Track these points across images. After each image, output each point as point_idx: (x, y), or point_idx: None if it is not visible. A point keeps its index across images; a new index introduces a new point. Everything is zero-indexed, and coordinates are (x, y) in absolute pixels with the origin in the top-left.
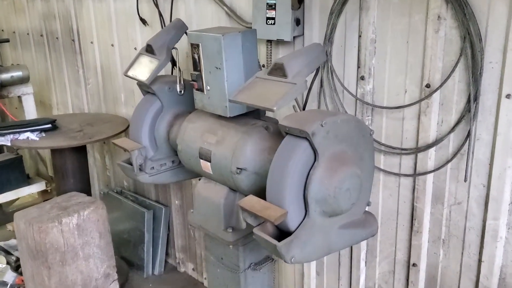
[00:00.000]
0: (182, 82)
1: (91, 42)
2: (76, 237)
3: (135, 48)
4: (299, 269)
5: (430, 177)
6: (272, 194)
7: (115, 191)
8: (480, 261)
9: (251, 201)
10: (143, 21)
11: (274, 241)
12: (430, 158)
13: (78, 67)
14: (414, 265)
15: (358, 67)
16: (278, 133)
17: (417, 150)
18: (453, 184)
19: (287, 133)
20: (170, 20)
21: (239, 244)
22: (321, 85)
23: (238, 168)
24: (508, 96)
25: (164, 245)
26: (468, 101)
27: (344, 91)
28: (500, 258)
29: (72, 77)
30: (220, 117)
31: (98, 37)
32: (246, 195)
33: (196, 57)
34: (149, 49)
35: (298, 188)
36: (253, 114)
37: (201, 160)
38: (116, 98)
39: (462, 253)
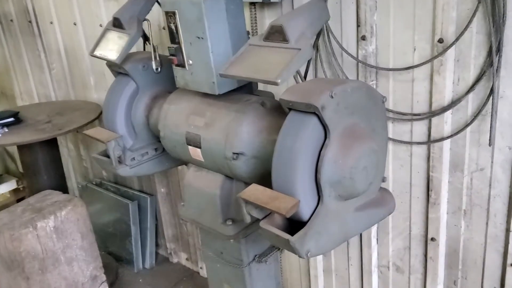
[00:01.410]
0: (158, 58)
1: (51, 23)
2: (55, 241)
3: (101, 25)
4: None
5: (447, 143)
6: (279, 181)
7: (94, 183)
8: (508, 230)
9: (255, 192)
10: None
11: (286, 235)
12: (447, 122)
13: (39, 51)
14: (432, 239)
15: (358, 25)
16: (276, 109)
17: (431, 114)
18: (474, 149)
19: (290, 109)
20: None
21: (240, 236)
22: (317, 49)
23: (234, 153)
24: None
25: (153, 236)
26: (489, 54)
27: (343, 53)
28: None
29: (33, 63)
30: (206, 95)
31: (58, 17)
32: (245, 183)
33: (173, 27)
34: (116, 23)
35: (309, 171)
36: (245, 89)
37: (189, 147)
38: (85, 83)
39: (487, 223)
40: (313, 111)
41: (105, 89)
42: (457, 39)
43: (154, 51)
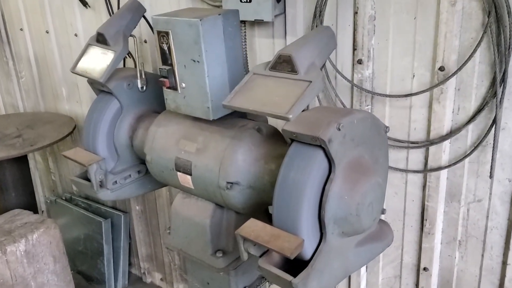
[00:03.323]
0: (143, 76)
1: (21, 29)
2: (25, 266)
3: (76, 35)
4: None
5: (444, 173)
6: (281, 218)
7: (64, 198)
8: (505, 263)
9: (255, 228)
10: (84, 3)
11: (289, 277)
12: (445, 152)
13: (7, 58)
14: (425, 269)
15: (355, 49)
16: (272, 135)
17: (429, 143)
18: (472, 180)
19: (292, 140)
20: (118, 1)
21: (230, 268)
22: None
23: (228, 183)
24: None
25: (126, 255)
26: (492, 84)
27: (337, 76)
28: None
29: (1, 71)
30: (198, 118)
31: (29, 23)
32: (236, 212)
33: (166, 48)
34: (100, 39)
35: (313, 208)
36: (238, 113)
37: (179, 173)
38: (56, 93)
39: (483, 255)
40: (319, 144)
41: (78, 100)
42: (460, 68)
43: (141, 68)
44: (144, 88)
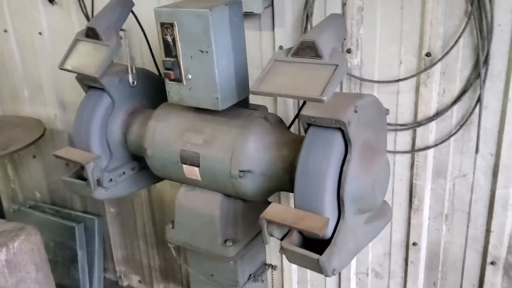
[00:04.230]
0: (134, 71)
1: None
2: (7, 276)
3: (40, 33)
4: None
5: (431, 152)
6: (305, 200)
7: (28, 205)
8: (488, 231)
9: (278, 212)
10: None
11: (315, 255)
12: (431, 132)
13: None
14: (414, 244)
15: (344, 39)
16: (277, 123)
17: (417, 124)
18: (457, 157)
19: (309, 124)
20: None
21: (237, 257)
22: None
23: (241, 171)
24: None
25: (101, 260)
26: (475, 67)
27: None
28: (509, 227)
29: None
30: (200, 110)
31: None
32: (243, 200)
33: (170, 40)
34: (91, 34)
35: (333, 188)
36: (239, 103)
37: (184, 165)
38: (17, 95)
39: (468, 226)
40: (339, 127)
41: (43, 102)
42: (446, 53)
43: (132, 63)
44: (135, 83)
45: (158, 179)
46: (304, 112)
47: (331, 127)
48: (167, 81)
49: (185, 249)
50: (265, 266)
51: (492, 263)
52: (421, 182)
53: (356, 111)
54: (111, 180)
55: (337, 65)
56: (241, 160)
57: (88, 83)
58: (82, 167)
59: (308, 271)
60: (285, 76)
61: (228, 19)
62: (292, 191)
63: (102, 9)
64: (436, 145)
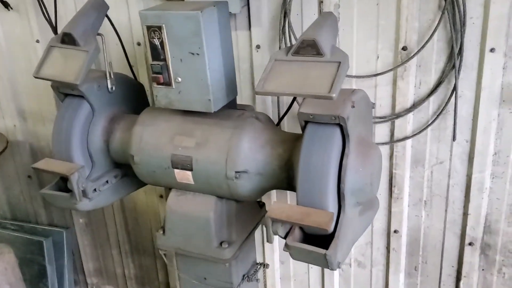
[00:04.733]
0: (112, 77)
1: None
2: None
3: None
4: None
5: (409, 142)
6: (308, 196)
7: None
8: (465, 214)
9: (283, 210)
10: (5, 4)
11: (322, 250)
12: (409, 123)
13: None
14: (395, 231)
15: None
16: (268, 121)
17: (395, 116)
18: (434, 145)
19: (307, 122)
20: (55, 3)
21: (232, 258)
22: None
23: (236, 172)
24: (492, 50)
25: (71, 273)
26: (449, 58)
27: None
28: (485, 208)
29: None
30: (189, 113)
31: None
32: (236, 201)
33: (157, 43)
34: (67, 39)
35: (334, 183)
36: (228, 104)
37: (176, 170)
38: None
39: (446, 210)
40: (338, 122)
41: None
42: (423, 47)
43: (110, 69)
44: (113, 88)
45: (140, 185)
46: (302, 109)
47: (329, 123)
48: (154, 85)
49: (176, 255)
50: (257, 265)
51: (470, 243)
52: (400, 171)
53: (353, 106)
54: (95, 190)
55: (340, 62)
56: (237, 161)
57: (66, 91)
58: (62, 179)
59: (291, 266)
60: (288, 75)
61: (217, 20)
62: (288, 189)
63: (76, 13)
64: (414, 135)
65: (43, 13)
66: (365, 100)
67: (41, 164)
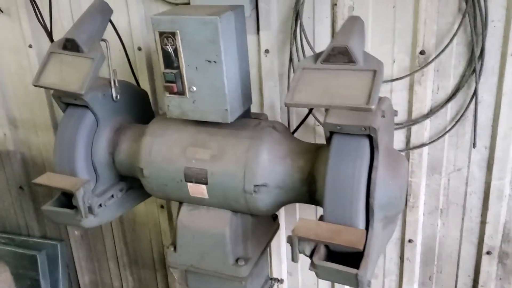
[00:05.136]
0: (117, 85)
1: None
2: None
3: None
4: None
5: (425, 149)
6: (337, 212)
7: None
8: (483, 222)
9: (310, 227)
10: None
11: (354, 270)
12: (426, 129)
13: None
14: (410, 241)
15: None
16: (285, 131)
17: (412, 122)
18: (452, 152)
19: (332, 132)
20: (50, 7)
21: (249, 276)
22: (290, 61)
23: (255, 186)
24: None
25: (66, 287)
26: (469, 63)
27: None
28: (504, 216)
29: None
30: (203, 123)
31: None
32: (252, 216)
33: (171, 50)
34: (70, 46)
35: (364, 197)
36: (243, 114)
37: (189, 184)
38: None
39: (463, 219)
40: (368, 133)
41: None
42: (442, 51)
43: (115, 77)
44: (118, 97)
45: (145, 198)
46: (329, 120)
47: (358, 135)
48: (166, 94)
49: (187, 272)
50: (271, 280)
51: (487, 252)
52: (416, 179)
53: (383, 116)
54: (100, 205)
55: (375, 70)
56: (256, 174)
57: (68, 100)
58: (64, 193)
59: (299, 278)
60: (319, 85)
61: (234, 25)
62: (309, 203)
63: (80, 18)
64: (431, 142)
65: (37, 17)
66: (390, 108)
67: (43, 179)
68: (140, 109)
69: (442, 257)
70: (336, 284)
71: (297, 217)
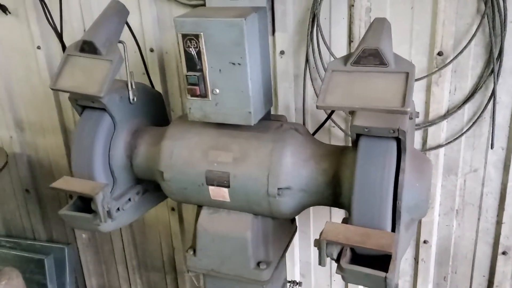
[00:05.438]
0: (133, 87)
1: None
2: None
3: None
4: None
5: (442, 150)
6: (365, 215)
7: None
8: (499, 223)
9: (339, 231)
10: (3, 8)
11: (381, 273)
12: (443, 130)
13: None
14: (425, 242)
15: (351, 41)
16: (307, 133)
17: (429, 123)
18: (468, 153)
19: (359, 135)
20: (60, 7)
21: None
22: (307, 62)
23: (279, 189)
24: None
25: None
26: (487, 64)
27: None
28: None
29: None
30: (224, 126)
31: None
32: (272, 218)
33: (194, 53)
34: (87, 48)
35: (391, 200)
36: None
37: (211, 187)
38: None
39: (479, 219)
40: (396, 136)
41: None
42: (461, 52)
43: (132, 79)
44: (135, 99)
45: (160, 201)
46: (356, 122)
47: (385, 137)
48: (188, 97)
49: (204, 275)
50: (289, 283)
51: (503, 253)
52: (432, 180)
53: (411, 118)
54: (118, 209)
55: (407, 73)
56: (280, 177)
57: (85, 103)
58: (81, 197)
59: (312, 280)
60: (350, 87)
61: (257, 27)
62: (333, 206)
63: (96, 19)
64: (448, 143)
65: (47, 18)
66: (414, 109)
67: (61, 184)
68: (156, 111)
69: (457, 257)
70: (349, 286)
71: (311, 219)
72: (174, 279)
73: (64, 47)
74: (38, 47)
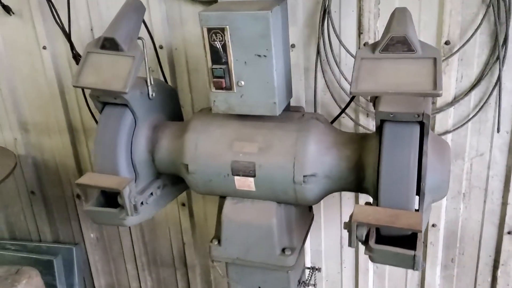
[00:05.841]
0: (152, 83)
1: None
2: None
3: None
4: None
5: (449, 136)
6: (392, 197)
7: None
8: (504, 204)
9: (369, 213)
10: (7, 9)
11: (410, 252)
12: (450, 117)
13: None
14: (433, 225)
15: (361, 33)
16: (327, 122)
17: (437, 111)
18: (475, 138)
19: (384, 120)
20: (68, 7)
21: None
22: (318, 55)
23: (305, 176)
24: None
25: None
26: (492, 51)
27: (346, 58)
28: None
29: None
30: (247, 117)
31: None
32: (295, 205)
33: (219, 46)
34: (108, 45)
35: (415, 182)
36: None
37: (236, 177)
38: None
39: (485, 201)
40: (420, 120)
41: None
42: (467, 41)
43: (150, 74)
44: (154, 95)
45: (178, 194)
46: (382, 108)
47: (409, 122)
48: (213, 90)
49: (228, 264)
50: (309, 269)
51: (509, 232)
52: None
53: (433, 102)
54: (142, 203)
55: (435, 58)
56: (305, 165)
57: (107, 99)
58: (103, 193)
59: (323, 267)
60: (381, 73)
61: (281, 19)
62: (356, 191)
63: (115, 17)
64: (455, 129)
65: (54, 18)
66: None
67: (86, 179)
68: (172, 106)
69: (464, 239)
70: (359, 272)
71: (321, 208)
72: (185, 274)
73: (72, 46)
74: (44, 47)
